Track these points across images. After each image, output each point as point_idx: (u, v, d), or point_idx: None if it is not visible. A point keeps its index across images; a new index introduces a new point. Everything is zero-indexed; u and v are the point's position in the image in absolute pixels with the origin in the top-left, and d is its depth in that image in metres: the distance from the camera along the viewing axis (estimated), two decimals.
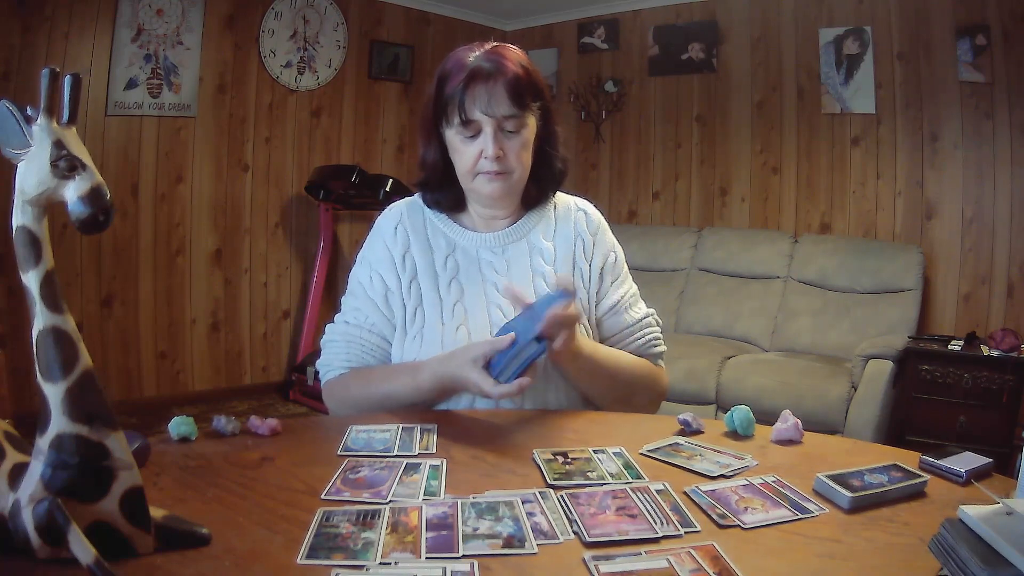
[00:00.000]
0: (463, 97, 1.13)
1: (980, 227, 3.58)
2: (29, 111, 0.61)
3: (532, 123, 1.19)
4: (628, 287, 1.32)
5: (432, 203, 1.27)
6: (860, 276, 3.65)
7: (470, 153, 1.16)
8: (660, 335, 1.33)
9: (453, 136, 1.17)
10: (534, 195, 1.27)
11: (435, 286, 1.22)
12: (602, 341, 1.27)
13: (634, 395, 1.26)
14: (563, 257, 1.27)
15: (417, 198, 1.30)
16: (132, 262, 3.90)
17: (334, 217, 4.53)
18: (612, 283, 1.30)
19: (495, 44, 1.18)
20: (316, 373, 1.31)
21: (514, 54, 1.17)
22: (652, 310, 1.34)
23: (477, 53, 1.16)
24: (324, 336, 1.28)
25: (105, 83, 3.68)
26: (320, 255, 4.44)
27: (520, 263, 1.25)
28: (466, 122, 1.14)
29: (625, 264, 1.34)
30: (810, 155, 4.13)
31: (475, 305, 1.21)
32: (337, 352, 1.24)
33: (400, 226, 1.26)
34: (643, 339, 1.29)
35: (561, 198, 1.33)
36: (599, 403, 1.24)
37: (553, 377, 1.19)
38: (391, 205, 1.32)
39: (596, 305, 1.28)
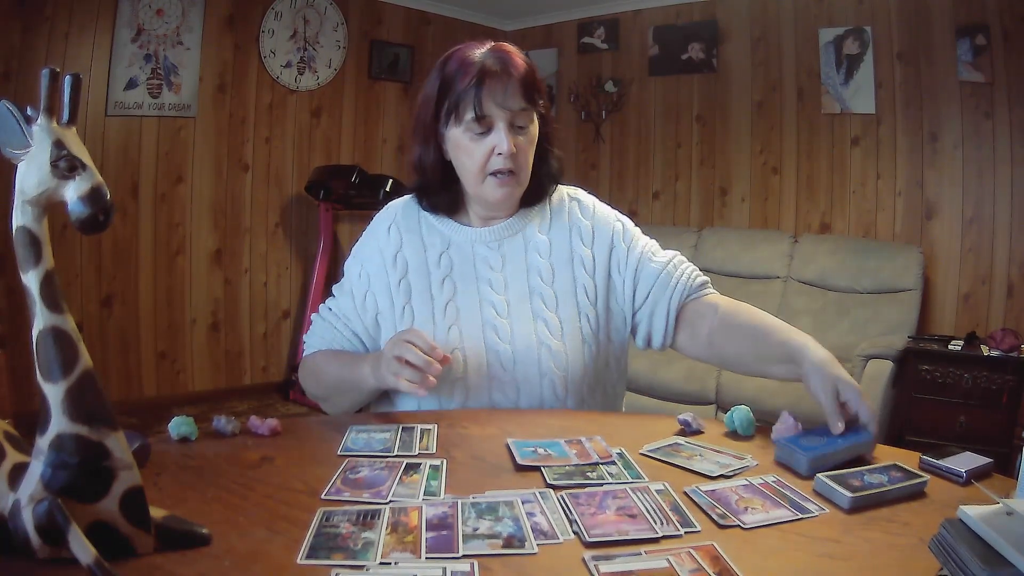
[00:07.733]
0: (478, 93, 1.12)
1: (980, 227, 3.58)
2: (29, 111, 0.61)
3: (536, 121, 1.20)
4: (644, 241, 1.29)
5: (429, 207, 1.26)
6: (860, 276, 3.65)
7: (480, 151, 1.15)
8: (693, 266, 1.28)
9: (460, 135, 1.16)
10: (532, 194, 1.26)
11: (427, 285, 1.22)
12: (640, 296, 1.25)
13: None
14: (559, 249, 1.25)
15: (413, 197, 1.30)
16: (132, 262, 3.89)
17: (334, 217, 4.52)
18: (628, 247, 1.26)
19: (495, 43, 1.19)
20: None
21: (518, 53, 1.18)
22: (675, 252, 1.30)
23: (483, 51, 1.16)
24: (314, 314, 1.34)
25: (105, 83, 3.68)
26: (320, 255, 4.43)
27: (516, 258, 1.24)
28: (480, 118, 1.13)
29: (636, 227, 1.30)
30: (810, 155, 4.13)
31: (468, 304, 1.21)
32: (315, 332, 1.31)
33: (394, 226, 1.26)
34: (683, 276, 1.25)
35: (555, 191, 1.31)
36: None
37: (548, 373, 1.18)
38: (389, 203, 1.32)
39: (623, 269, 1.25)
